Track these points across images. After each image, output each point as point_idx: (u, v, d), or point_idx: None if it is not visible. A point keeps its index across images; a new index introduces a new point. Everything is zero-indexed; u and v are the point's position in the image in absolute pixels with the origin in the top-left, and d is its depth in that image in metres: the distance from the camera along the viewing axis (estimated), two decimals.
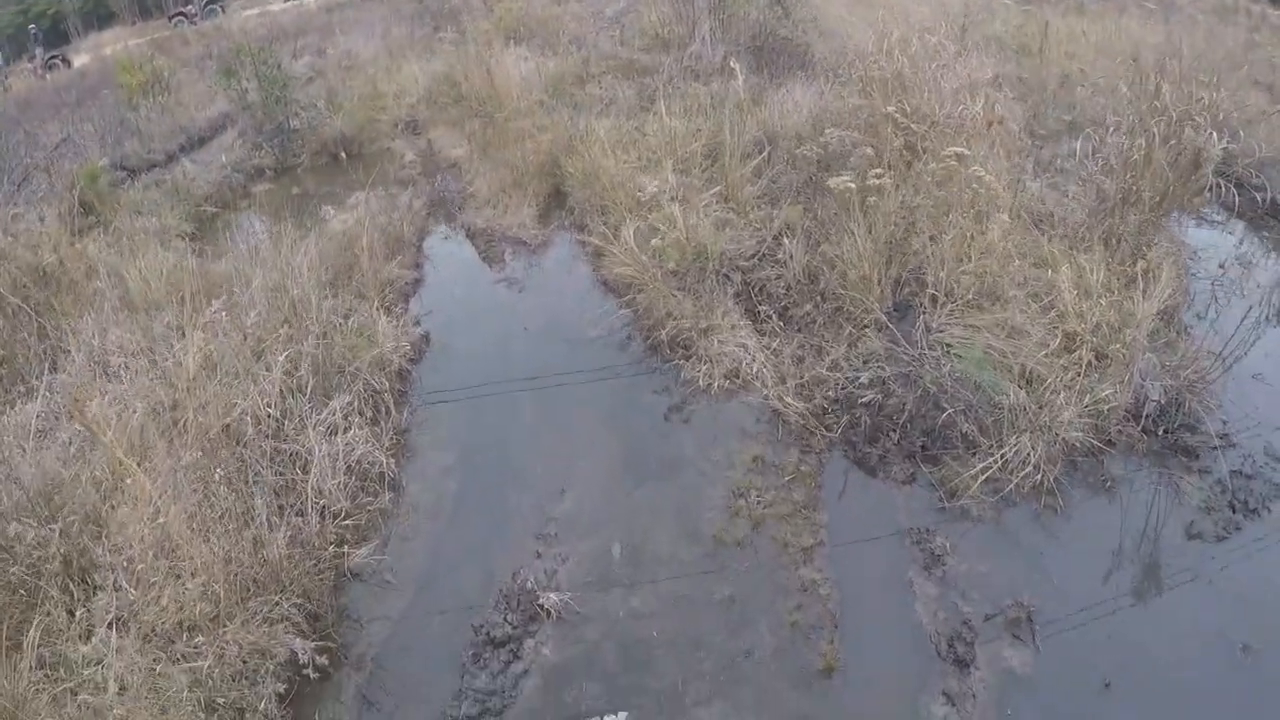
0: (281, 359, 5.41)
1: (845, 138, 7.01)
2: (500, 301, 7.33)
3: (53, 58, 23.56)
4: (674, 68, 11.06)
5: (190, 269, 7.50)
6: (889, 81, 7.30)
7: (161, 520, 4.12)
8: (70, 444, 5.11)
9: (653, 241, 6.46)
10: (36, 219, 9.44)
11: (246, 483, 4.76)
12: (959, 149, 5.80)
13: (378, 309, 6.73)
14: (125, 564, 4.05)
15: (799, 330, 6.14)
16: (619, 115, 9.78)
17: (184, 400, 5.08)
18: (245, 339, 5.77)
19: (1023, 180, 6.85)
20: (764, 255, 6.84)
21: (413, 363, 6.51)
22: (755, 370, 5.75)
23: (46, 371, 6.22)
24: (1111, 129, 6.50)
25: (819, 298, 6.31)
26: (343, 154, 11.72)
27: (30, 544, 4.09)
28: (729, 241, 6.82)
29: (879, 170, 6.14)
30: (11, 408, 5.80)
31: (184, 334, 5.88)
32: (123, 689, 3.71)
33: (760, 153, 7.82)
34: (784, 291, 6.50)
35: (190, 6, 26.35)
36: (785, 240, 6.69)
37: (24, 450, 5.05)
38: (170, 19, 26.42)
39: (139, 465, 4.42)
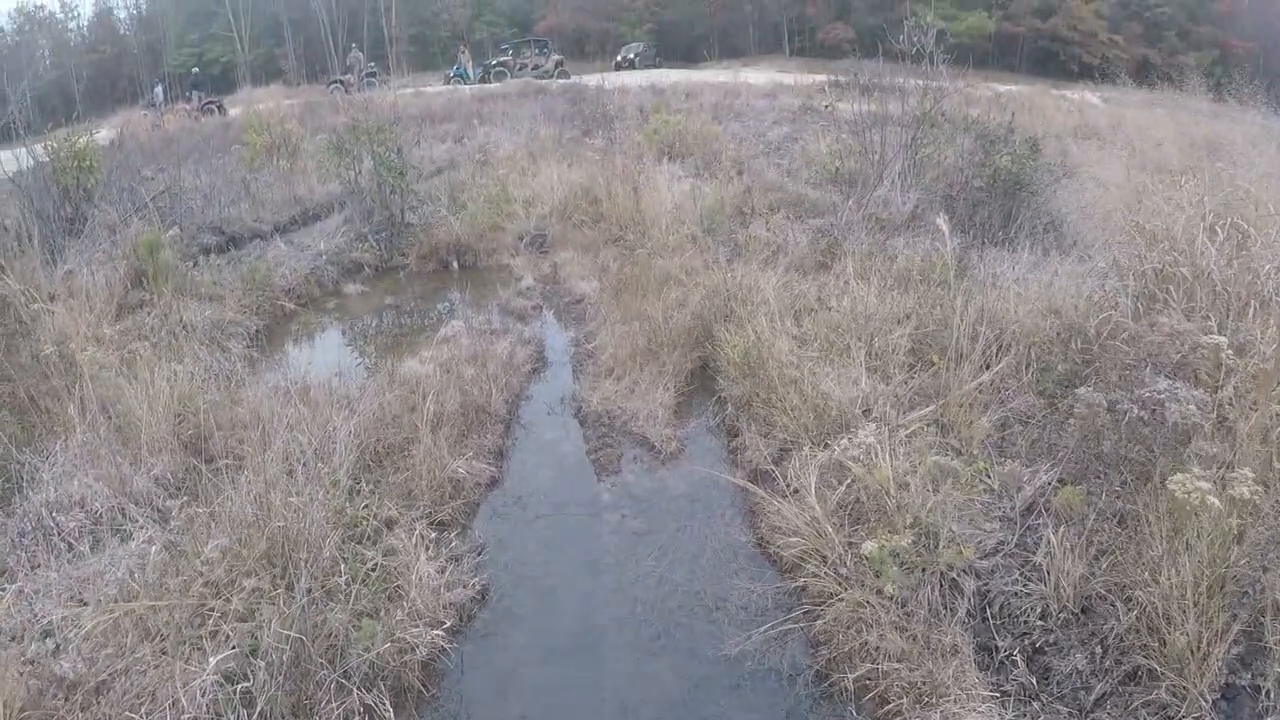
0: (220, 656, 3.14)
1: (1172, 389, 4.45)
2: (604, 545, 4.81)
3: (209, 103, 23.89)
4: (854, 212, 9.03)
5: (207, 403, 5.58)
6: (1191, 283, 4.92)
7: None
8: None
9: (865, 546, 3.99)
10: (88, 283, 7.91)
11: None
12: None
13: (423, 533, 4.48)
14: None
15: (1061, 699, 3.62)
16: (790, 269, 7.74)
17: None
18: (196, 578, 3.59)
19: None
20: (1009, 551, 4.31)
21: (454, 637, 4.06)
22: None
23: None
24: None
25: (1099, 648, 3.74)
26: (455, 264, 10.04)
27: None
28: (959, 517, 4.37)
29: (1247, 472, 3.58)
30: None
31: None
32: None
33: (987, 357, 5.47)
34: (1039, 621, 3.95)
35: (349, 75, 26.56)
36: (1046, 530, 4.14)
37: None
38: (328, 85, 26.65)
39: None
